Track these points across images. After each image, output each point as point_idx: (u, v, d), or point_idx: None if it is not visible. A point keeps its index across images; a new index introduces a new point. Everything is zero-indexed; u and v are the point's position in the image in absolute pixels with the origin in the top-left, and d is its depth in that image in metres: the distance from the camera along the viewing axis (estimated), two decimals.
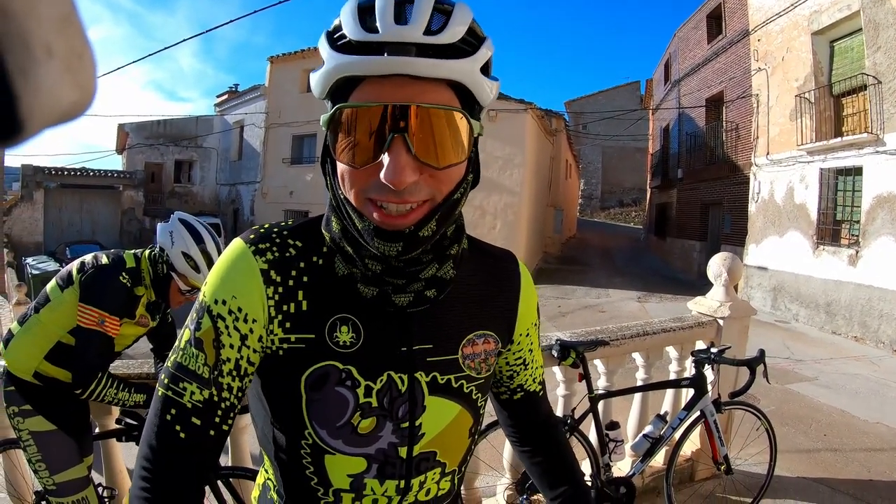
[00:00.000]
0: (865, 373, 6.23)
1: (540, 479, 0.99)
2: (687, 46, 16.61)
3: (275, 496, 0.80)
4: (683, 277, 14.06)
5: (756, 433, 3.15)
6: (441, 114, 0.62)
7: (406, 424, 0.74)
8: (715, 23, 14.43)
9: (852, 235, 8.34)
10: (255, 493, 0.87)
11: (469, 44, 0.63)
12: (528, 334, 0.90)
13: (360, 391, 0.72)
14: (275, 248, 0.72)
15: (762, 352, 2.78)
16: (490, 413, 0.99)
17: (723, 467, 2.92)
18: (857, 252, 7.98)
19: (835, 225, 8.73)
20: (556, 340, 2.64)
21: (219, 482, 2.10)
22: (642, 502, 3.33)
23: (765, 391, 5.31)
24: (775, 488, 3.41)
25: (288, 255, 0.72)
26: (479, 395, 0.82)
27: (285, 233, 0.74)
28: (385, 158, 0.62)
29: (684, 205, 16.58)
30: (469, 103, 0.67)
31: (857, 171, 8.17)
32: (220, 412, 0.69)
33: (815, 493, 3.59)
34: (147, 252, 2.06)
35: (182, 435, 0.68)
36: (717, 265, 3.30)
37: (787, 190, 9.81)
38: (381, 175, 0.62)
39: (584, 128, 30.79)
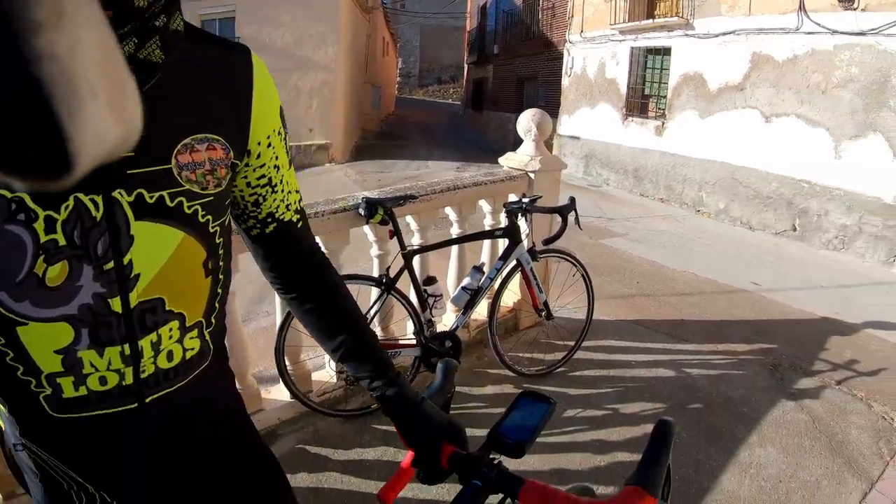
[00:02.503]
0: (672, 229, 6.80)
1: (315, 331, 0.87)
2: None
3: None
4: (500, 147, 14.20)
5: (573, 279, 3.21)
6: None
7: (111, 265, 0.59)
8: None
9: (659, 109, 8.95)
10: None
11: None
12: (270, 145, 0.75)
13: (39, 226, 0.54)
14: None
15: (573, 199, 2.82)
16: None
17: (543, 313, 3.06)
18: (663, 124, 8.59)
19: (643, 99, 9.31)
20: (362, 198, 2.52)
21: None
22: (471, 355, 3.36)
23: (580, 246, 5.58)
24: (596, 330, 3.54)
25: None
26: (211, 217, 0.67)
27: None
28: None
29: (500, 80, 17.28)
30: None
31: (666, 52, 8.65)
32: None
33: (634, 333, 3.80)
34: None
35: None
36: (526, 121, 3.33)
37: (599, 66, 10.24)
38: None
39: (402, 6, 30.66)
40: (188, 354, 0.69)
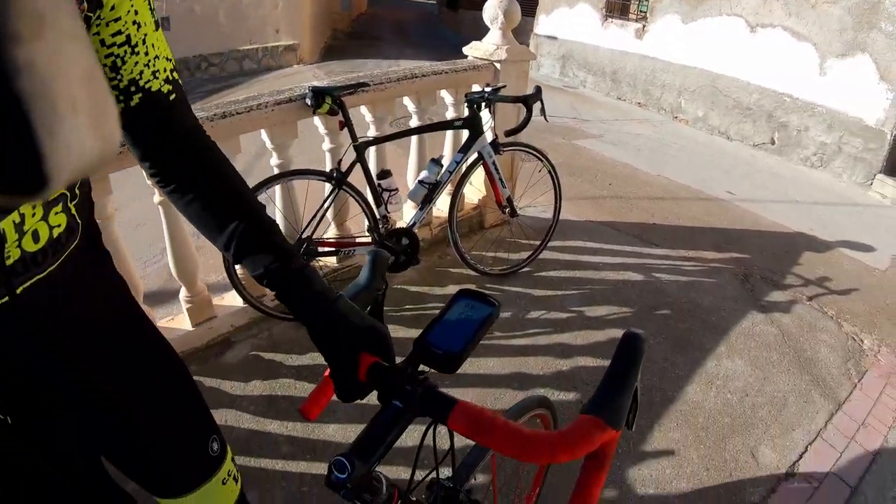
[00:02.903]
0: (648, 133, 6.48)
1: (203, 226, 0.73)
2: None
3: None
4: None
5: (539, 175, 2.96)
6: None
7: None
8: None
9: (640, 12, 8.37)
10: None
11: None
12: None
13: None
14: None
15: (538, 88, 2.58)
16: None
17: (507, 210, 2.87)
18: (644, 27, 8.05)
19: (624, 0, 8.63)
20: (309, 87, 2.28)
21: None
22: (432, 254, 3.13)
23: (553, 146, 5.25)
24: (564, 230, 3.30)
25: None
26: None
27: None
28: None
29: None
30: None
31: None
32: None
33: (603, 235, 3.56)
34: None
35: None
36: (492, 8, 2.98)
37: None
38: None
39: None
40: (55, 232, 0.65)
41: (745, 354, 2.55)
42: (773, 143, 6.04)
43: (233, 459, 0.97)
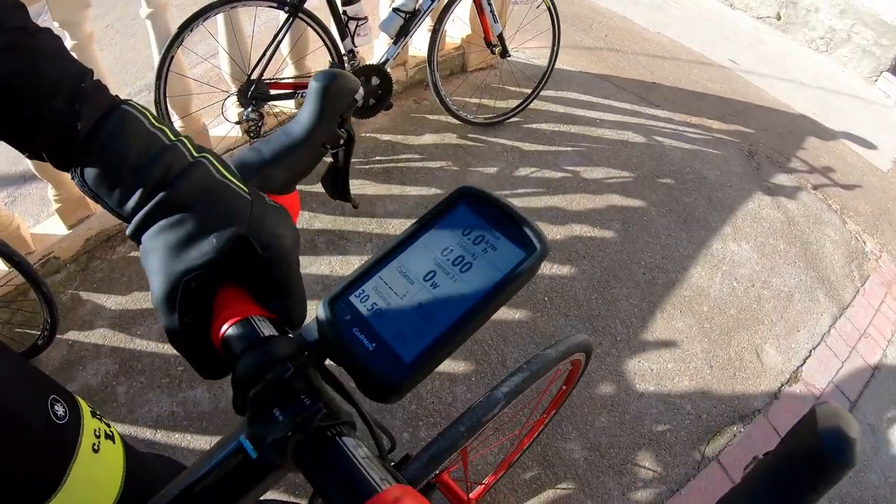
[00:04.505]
0: None
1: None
2: None
3: None
4: None
5: (536, 12, 2.41)
6: None
7: None
8: None
9: None
10: None
11: None
12: None
13: None
14: None
15: None
16: None
17: (497, 49, 2.38)
18: None
19: None
20: None
21: None
22: (407, 98, 2.60)
23: None
24: (557, 80, 2.79)
25: None
26: None
27: None
28: None
29: None
30: None
31: None
32: None
33: (600, 88, 3.05)
34: None
35: None
36: None
37: None
38: None
39: None
40: None
41: (752, 239, 2.24)
42: (778, 17, 5.48)
43: (96, 414, 0.51)
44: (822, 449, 0.22)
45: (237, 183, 0.36)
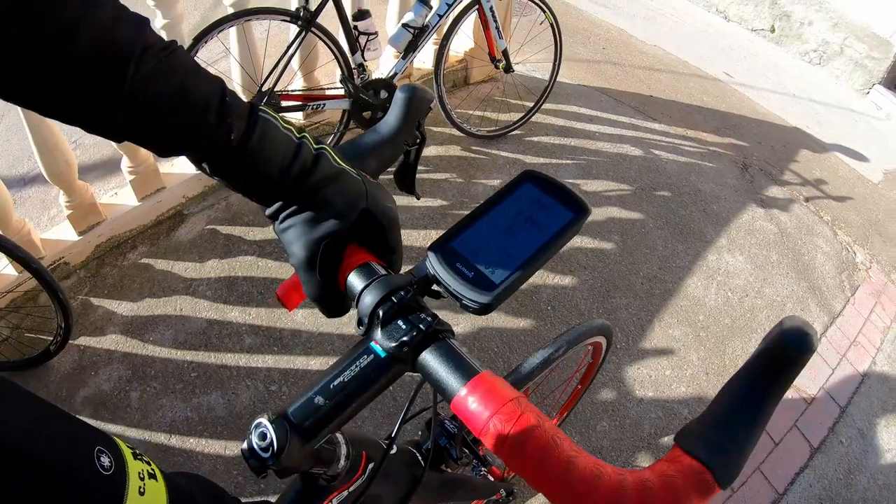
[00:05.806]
0: (642, 0, 5.82)
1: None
2: None
3: None
4: None
5: (539, 28, 2.52)
6: None
7: None
8: None
9: None
10: None
11: None
12: None
13: None
14: None
15: None
16: None
17: (501, 64, 2.46)
18: None
19: None
20: None
21: None
22: None
23: None
24: (556, 94, 2.86)
25: None
26: None
27: None
28: None
29: None
30: None
31: None
32: None
33: (599, 101, 3.12)
34: None
35: None
36: None
37: None
38: None
39: None
40: None
41: (746, 251, 2.31)
42: (772, 30, 5.58)
43: (137, 455, 0.56)
44: (787, 341, 0.31)
45: (349, 169, 0.46)
